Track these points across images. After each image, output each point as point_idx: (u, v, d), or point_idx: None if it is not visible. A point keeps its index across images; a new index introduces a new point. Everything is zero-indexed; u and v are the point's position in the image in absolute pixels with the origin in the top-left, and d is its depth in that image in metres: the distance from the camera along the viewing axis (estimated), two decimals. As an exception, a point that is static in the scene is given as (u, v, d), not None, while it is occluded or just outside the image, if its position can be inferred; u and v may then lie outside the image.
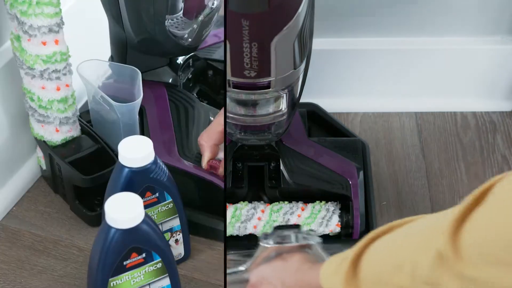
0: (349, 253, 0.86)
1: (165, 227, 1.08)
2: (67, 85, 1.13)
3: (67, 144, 1.18)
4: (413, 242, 0.79)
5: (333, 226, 1.16)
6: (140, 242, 0.95)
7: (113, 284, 0.95)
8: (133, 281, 0.97)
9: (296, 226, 1.03)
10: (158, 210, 1.05)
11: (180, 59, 1.28)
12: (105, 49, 1.27)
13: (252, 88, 1.01)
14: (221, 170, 1.13)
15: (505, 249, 0.67)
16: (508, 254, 0.67)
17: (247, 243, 1.14)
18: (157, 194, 1.04)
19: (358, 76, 1.43)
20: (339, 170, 1.17)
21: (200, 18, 1.20)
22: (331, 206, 1.17)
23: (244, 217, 1.16)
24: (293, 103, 1.10)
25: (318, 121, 1.35)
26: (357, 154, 1.22)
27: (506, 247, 0.67)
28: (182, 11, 1.19)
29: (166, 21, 1.17)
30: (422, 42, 1.41)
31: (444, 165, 1.33)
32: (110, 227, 0.92)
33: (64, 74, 1.12)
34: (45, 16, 1.06)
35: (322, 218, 1.16)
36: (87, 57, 1.19)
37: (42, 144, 1.19)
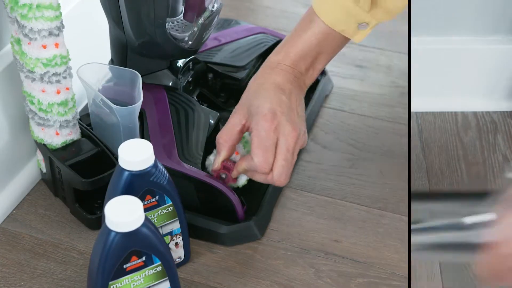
0: None
1: (165, 230, 1.07)
2: (67, 88, 1.13)
3: (67, 147, 1.18)
4: None
5: None
6: (140, 246, 0.95)
7: (113, 287, 0.95)
8: (133, 284, 0.97)
9: None
10: (158, 214, 1.05)
11: (180, 62, 1.28)
12: (105, 52, 1.27)
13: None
14: (234, 173, 1.13)
15: None
16: None
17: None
18: (157, 197, 1.04)
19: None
20: None
21: (201, 21, 1.20)
22: None
23: None
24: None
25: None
26: None
27: None
28: (182, 14, 1.19)
29: (166, 24, 1.17)
30: (422, 42, 1.41)
31: (444, 165, 1.33)
32: (110, 231, 0.92)
33: (64, 77, 1.12)
34: (45, 19, 1.06)
35: None
36: (87, 60, 1.19)
37: (42, 147, 1.19)
